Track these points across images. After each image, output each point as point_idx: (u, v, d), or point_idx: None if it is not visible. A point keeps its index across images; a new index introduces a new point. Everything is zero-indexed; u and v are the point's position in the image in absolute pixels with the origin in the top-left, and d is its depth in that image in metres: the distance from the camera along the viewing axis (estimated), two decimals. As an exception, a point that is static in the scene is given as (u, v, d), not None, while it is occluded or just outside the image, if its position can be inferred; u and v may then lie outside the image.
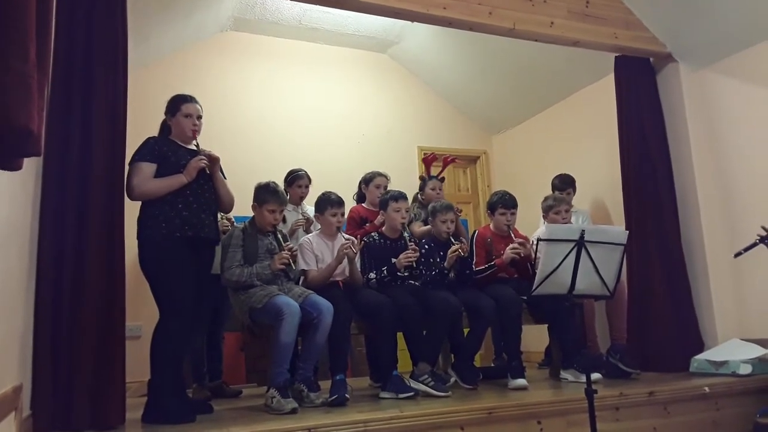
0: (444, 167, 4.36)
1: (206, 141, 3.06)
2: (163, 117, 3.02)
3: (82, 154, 2.56)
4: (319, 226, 3.47)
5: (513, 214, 3.70)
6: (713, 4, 3.73)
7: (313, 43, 5.74)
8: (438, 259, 3.48)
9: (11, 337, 2.05)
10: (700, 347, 3.80)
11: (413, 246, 3.36)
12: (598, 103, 4.87)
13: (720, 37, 3.90)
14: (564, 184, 4.47)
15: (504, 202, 3.69)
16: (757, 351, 3.42)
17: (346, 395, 2.86)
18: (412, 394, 2.98)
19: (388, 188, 3.84)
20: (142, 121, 3.20)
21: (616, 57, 4.23)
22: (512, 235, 3.67)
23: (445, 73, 5.98)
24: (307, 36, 5.64)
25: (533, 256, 3.45)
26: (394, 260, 3.33)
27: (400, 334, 3.35)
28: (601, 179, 4.80)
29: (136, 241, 2.78)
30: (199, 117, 2.99)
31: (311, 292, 3.06)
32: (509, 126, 6.21)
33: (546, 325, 3.75)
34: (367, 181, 4.02)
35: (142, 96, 3.90)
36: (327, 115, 5.72)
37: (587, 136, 5.09)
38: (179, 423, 2.54)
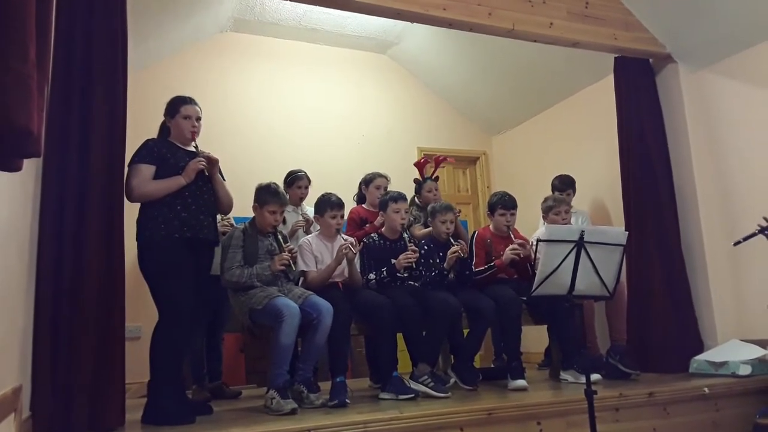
0: (436, 167, 4.36)
1: (206, 142, 3.06)
2: (162, 118, 3.02)
3: (82, 155, 2.56)
4: (319, 227, 3.47)
5: (513, 214, 3.71)
6: (712, 5, 3.73)
7: (313, 43, 5.74)
8: (437, 260, 3.48)
9: (11, 338, 2.04)
10: (700, 348, 3.80)
11: (413, 247, 3.36)
12: (598, 104, 4.87)
13: (719, 37, 3.90)
14: (564, 184, 4.47)
15: (504, 203, 3.70)
16: (757, 352, 3.41)
17: (347, 400, 2.86)
18: (412, 395, 2.98)
19: (388, 189, 3.84)
20: (142, 122, 3.20)
21: (615, 58, 4.24)
22: (512, 235, 3.67)
23: (444, 73, 5.98)
24: (307, 37, 5.64)
25: (533, 256, 3.45)
26: (393, 261, 3.33)
27: (399, 335, 3.35)
28: (600, 180, 4.81)
29: (136, 243, 2.78)
30: (198, 119, 2.99)
31: (311, 293, 3.06)
32: (509, 127, 6.21)
33: (546, 326, 3.76)
34: (367, 182, 4.02)
35: (141, 97, 3.90)
36: (327, 116, 5.72)
37: (587, 136, 5.09)
38: (179, 424, 2.55)
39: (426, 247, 3.52)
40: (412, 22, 3.76)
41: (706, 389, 3.11)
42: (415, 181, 4.28)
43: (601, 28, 4.00)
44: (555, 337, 3.68)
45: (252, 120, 5.40)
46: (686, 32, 4.01)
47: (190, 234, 2.80)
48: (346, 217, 3.56)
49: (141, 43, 4.34)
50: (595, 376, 3.18)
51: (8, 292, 1.99)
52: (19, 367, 2.16)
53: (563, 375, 3.52)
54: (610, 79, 4.31)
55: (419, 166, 4.39)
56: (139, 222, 2.81)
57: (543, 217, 4.10)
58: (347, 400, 2.86)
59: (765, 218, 3.17)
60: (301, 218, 3.85)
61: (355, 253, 3.26)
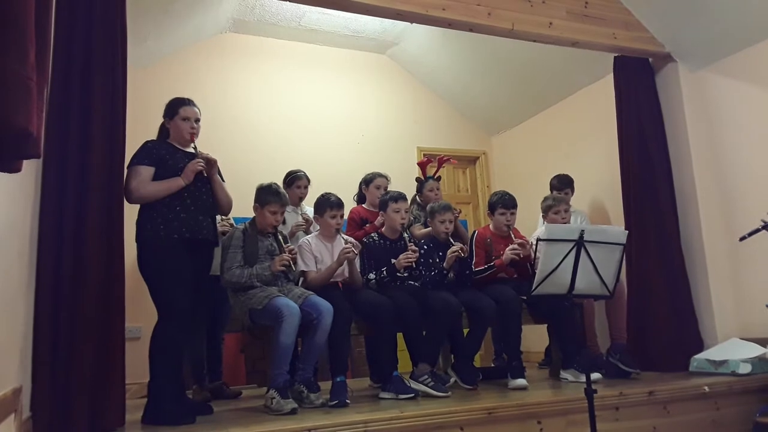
0: (439, 167, 4.37)
1: (205, 143, 3.06)
2: (161, 118, 3.02)
3: (81, 156, 2.56)
4: (319, 227, 3.47)
5: (513, 214, 3.71)
6: (712, 4, 3.73)
7: (313, 44, 5.74)
8: (437, 260, 3.49)
9: (11, 339, 2.05)
10: (700, 346, 3.80)
11: (413, 247, 3.36)
12: (598, 104, 4.87)
13: (719, 36, 3.90)
14: (562, 183, 4.47)
15: (504, 202, 3.70)
16: (757, 350, 3.42)
17: (347, 400, 2.86)
18: (412, 394, 2.99)
19: (388, 189, 3.84)
20: (142, 123, 3.20)
21: (615, 57, 4.24)
22: (512, 235, 3.67)
23: (444, 73, 5.98)
24: (307, 37, 5.64)
25: (533, 256, 3.45)
26: (393, 261, 3.33)
27: (400, 335, 3.35)
28: (600, 179, 4.80)
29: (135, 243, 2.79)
30: (197, 120, 2.99)
31: (311, 293, 3.06)
32: (508, 126, 6.21)
33: (546, 325, 3.76)
34: (367, 182, 4.02)
35: (141, 97, 3.91)
36: (326, 117, 5.72)
37: (586, 136, 5.09)
38: (179, 424, 2.55)
39: (426, 247, 3.52)
40: (412, 22, 3.76)
41: (706, 388, 3.11)
42: (417, 179, 4.28)
43: (600, 27, 4.00)
44: (555, 336, 3.69)
45: (252, 120, 5.40)
46: (686, 31, 4.01)
47: (189, 235, 2.80)
48: (346, 217, 3.56)
49: (141, 43, 4.35)
50: (595, 375, 3.19)
51: (8, 293, 1.99)
52: (19, 367, 2.16)
53: (563, 374, 3.52)
54: (610, 79, 4.31)
55: (422, 165, 4.39)
56: (138, 223, 2.81)
57: (543, 216, 4.10)
58: (347, 400, 2.86)
59: None
60: (300, 219, 3.85)
61: (356, 254, 3.26)
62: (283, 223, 3.51)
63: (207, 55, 5.35)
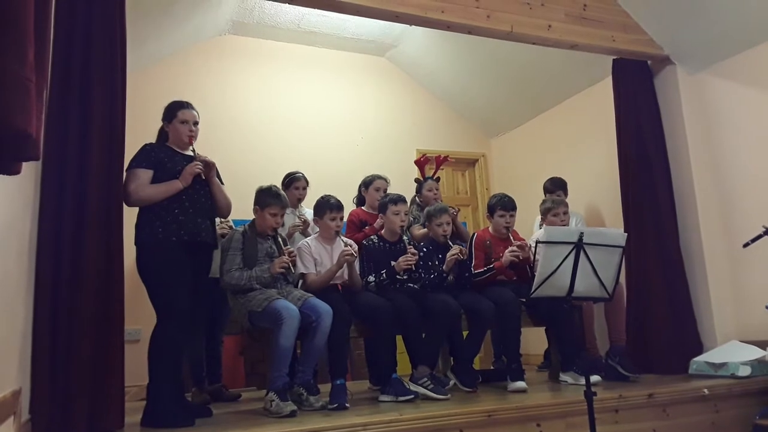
0: (437, 167, 4.37)
1: (204, 144, 3.06)
2: (161, 120, 3.02)
3: (81, 158, 2.56)
4: (317, 229, 3.47)
5: (512, 216, 3.71)
6: (710, 6, 3.74)
7: (312, 46, 5.75)
8: (437, 262, 3.48)
9: (10, 341, 2.04)
10: (699, 349, 3.80)
11: (412, 249, 3.36)
12: (596, 106, 4.88)
13: (717, 39, 3.91)
14: (555, 186, 4.49)
15: (503, 205, 3.70)
16: (756, 353, 3.42)
17: (346, 403, 2.86)
18: (411, 397, 2.98)
19: (388, 191, 3.84)
20: (141, 125, 3.20)
21: (613, 60, 4.24)
22: (511, 237, 3.67)
23: (443, 76, 5.99)
24: (306, 39, 5.65)
25: (532, 258, 3.45)
26: (393, 263, 3.33)
27: (399, 337, 3.34)
28: (599, 182, 4.81)
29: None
30: (196, 123, 3.00)
31: (310, 295, 3.06)
32: (507, 129, 6.22)
33: (545, 328, 3.75)
34: (366, 184, 4.02)
35: (140, 99, 3.91)
36: (326, 119, 5.72)
37: (585, 138, 5.09)
38: (178, 427, 2.54)
39: (425, 250, 3.52)
40: (411, 24, 3.77)
41: (705, 390, 3.11)
42: (416, 180, 4.28)
43: (599, 30, 4.01)
44: (554, 338, 3.68)
45: (251, 123, 5.40)
46: (684, 34, 4.01)
47: (188, 237, 2.80)
48: (345, 219, 3.55)
49: (140, 45, 4.34)
50: (594, 378, 3.18)
51: (7, 295, 1.99)
52: (19, 369, 2.15)
53: (563, 376, 3.52)
54: (609, 81, 4.32)
55: (419, 164, 4.39)
56: (137, 225, 2.81)
57: (542, 218, 4.10)
58: (347, 403, 2.86)
59: None
60: (297, 220, 3.84)
61: (356, 257, 3.26)
62: (282, 225, 3.50)
63: (206, 57, 5.36)
